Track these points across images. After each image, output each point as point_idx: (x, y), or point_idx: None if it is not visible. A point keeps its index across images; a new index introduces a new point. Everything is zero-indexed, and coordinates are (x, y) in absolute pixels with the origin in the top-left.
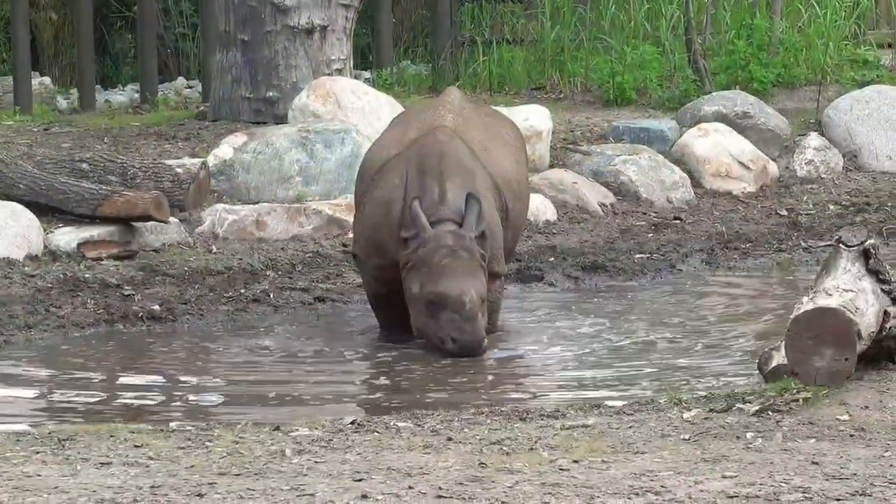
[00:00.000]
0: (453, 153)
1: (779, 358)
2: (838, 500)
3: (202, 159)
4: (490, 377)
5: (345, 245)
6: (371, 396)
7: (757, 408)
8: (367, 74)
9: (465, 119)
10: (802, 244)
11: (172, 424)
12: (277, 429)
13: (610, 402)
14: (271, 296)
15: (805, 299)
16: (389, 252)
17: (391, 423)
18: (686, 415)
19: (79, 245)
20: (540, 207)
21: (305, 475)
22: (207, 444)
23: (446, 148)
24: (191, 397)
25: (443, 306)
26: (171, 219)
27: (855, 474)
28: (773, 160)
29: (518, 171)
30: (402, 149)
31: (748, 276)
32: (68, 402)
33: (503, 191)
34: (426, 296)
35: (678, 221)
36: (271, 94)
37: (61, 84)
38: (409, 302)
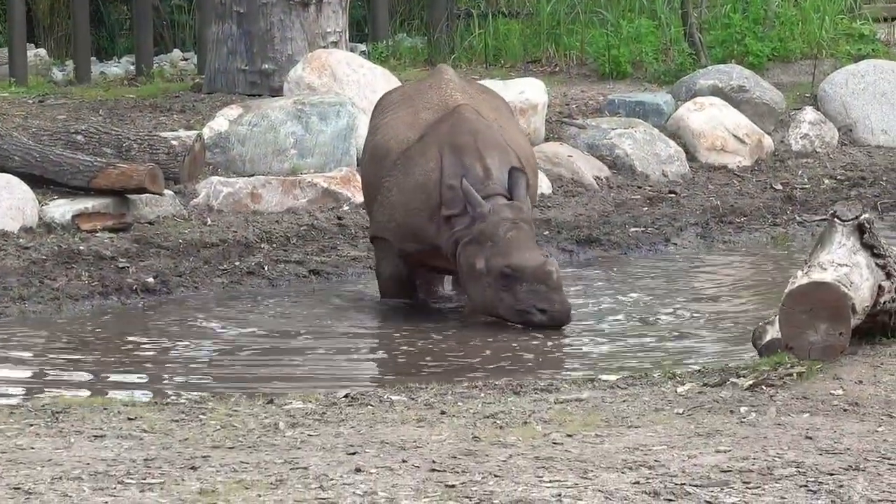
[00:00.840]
0: (485, 130)
1: (773, 332)
2: (832, 474)
3: (197, 132)
4: (486, 351)
5: (339, 218)
6: (365, 369)
7: (751, 382)
8: (362, 47)
9: (471, 97)
10: (797, 218)
11: (166, 397)
12: (271, 402)
13: (604, 376)
14: (266, 268)
15: (800, 273)
16: (427, 236)
17: (385, 397)
18: (680, 389)
19: (73, 217)
20: None
21: (299, 448)
22: (201, 416)
23: (477, 125)
24: (184, 370)
25: (521, 278)
26: (166, 191)
27: (848, 449)
28: (769, 134)
29: (528, 145)
30: (421, 131)
31: (743, 250)
32: (62, 373)
33: (525, 165)
34: (498, 269)
35: (673, 195)
36: (267, 66)
37: (57, 56)
38: (469, 277)
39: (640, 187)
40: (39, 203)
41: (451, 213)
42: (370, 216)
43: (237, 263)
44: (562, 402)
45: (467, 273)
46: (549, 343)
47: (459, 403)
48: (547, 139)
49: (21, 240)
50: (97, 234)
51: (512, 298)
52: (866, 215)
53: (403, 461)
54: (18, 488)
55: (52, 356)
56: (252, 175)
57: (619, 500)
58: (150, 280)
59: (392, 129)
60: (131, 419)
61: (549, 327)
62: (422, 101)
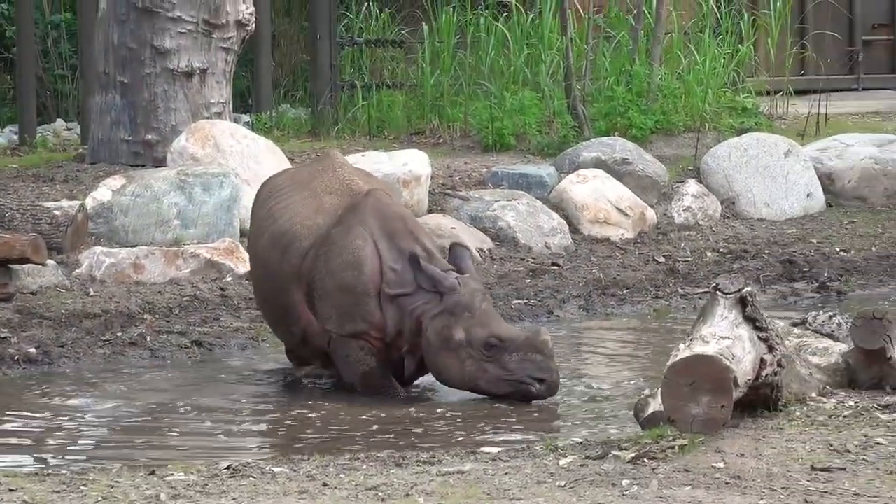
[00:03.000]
0: (408, 214)
1: (655, 405)
2: None
3: (80, 202)
4: (373, 425)
5: (222, 289)
6: (247, 441)
7: (633, 455)
8: (246, 118)
9: (369, 181)
10: (680, 291)
11: (47, 468)
12: (153, 473)
13: (486, 449)
14: (148, 339)
15: (682, 346)
16: (368, 312)
17: (267, 469)
18: (562, 461)
19: None
20: None
21: None
22: (82, 488)
23: (398, 209)
24: (66, 441)
25: (510, 349)
26: (49, 261)
27: None
28: (652, 207)
29: None
30: (333, 216)
31: (625, 322)
32: None
33: None
34: (482, 340)
35: (556, 267)
36: (150, 136)
37: None
38: (442, 350)
39: (522, 259)
40: None
41: (401, 293)
42: (263, 310)
43: (119, 334)
44: (444, 475)
45: (439, 346)
46: (429, 414)
47: (342, 475)
48: (430, 211)
49: None
50: None
51: (499, 369)
52: (749, 288)
53: None
54: None
55: None
56: (135, 245)
57: None
58: (32, 350)
59: (295, 214)
60: (12, 490)
61: (542, 397)
62: (320, 185)
